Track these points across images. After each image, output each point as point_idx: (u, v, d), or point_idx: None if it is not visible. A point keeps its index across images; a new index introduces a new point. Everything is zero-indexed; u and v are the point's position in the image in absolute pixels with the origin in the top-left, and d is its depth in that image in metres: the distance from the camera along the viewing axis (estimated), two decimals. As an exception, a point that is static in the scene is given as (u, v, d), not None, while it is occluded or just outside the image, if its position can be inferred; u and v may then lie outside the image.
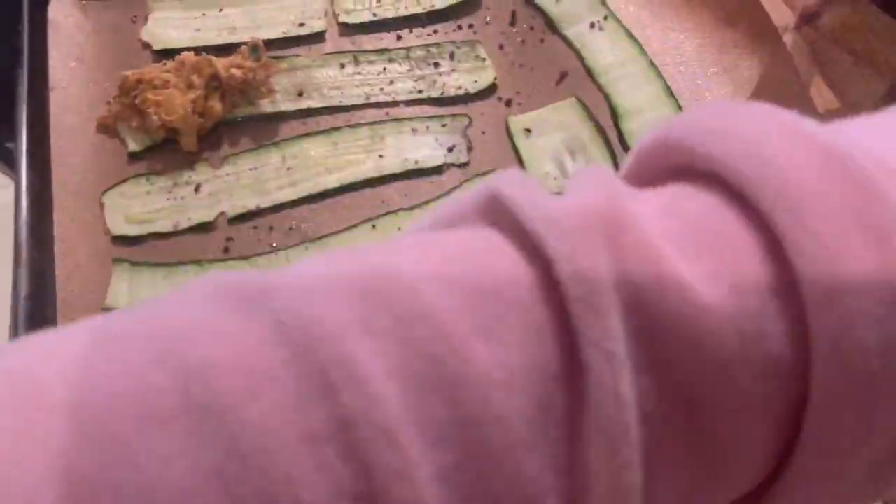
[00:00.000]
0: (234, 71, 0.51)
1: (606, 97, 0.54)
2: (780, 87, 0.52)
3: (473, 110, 0.55)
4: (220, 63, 0.52)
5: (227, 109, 0.53)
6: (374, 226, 0.51)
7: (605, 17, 0.56)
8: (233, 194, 0.52)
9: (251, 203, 0.52)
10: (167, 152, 0.53)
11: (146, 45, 0.57)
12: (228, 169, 0.53)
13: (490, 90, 0.56)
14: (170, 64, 0.53)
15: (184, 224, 0.51)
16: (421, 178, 0.53)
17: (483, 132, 0.54)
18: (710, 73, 0.53)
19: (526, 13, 0.58)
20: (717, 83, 0.53)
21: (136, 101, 0.51)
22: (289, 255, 0.50)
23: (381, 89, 0.56)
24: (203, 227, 0.51)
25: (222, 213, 0.51)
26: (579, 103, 0.54)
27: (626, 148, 0.52)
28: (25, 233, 0.50)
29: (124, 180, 0.52)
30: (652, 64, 0.54)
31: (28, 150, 0.52)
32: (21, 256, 0.48)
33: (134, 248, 0.50)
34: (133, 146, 0.53)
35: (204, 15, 0.58)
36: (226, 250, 0.51)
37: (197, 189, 0.52)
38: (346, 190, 0.53)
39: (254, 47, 0.54)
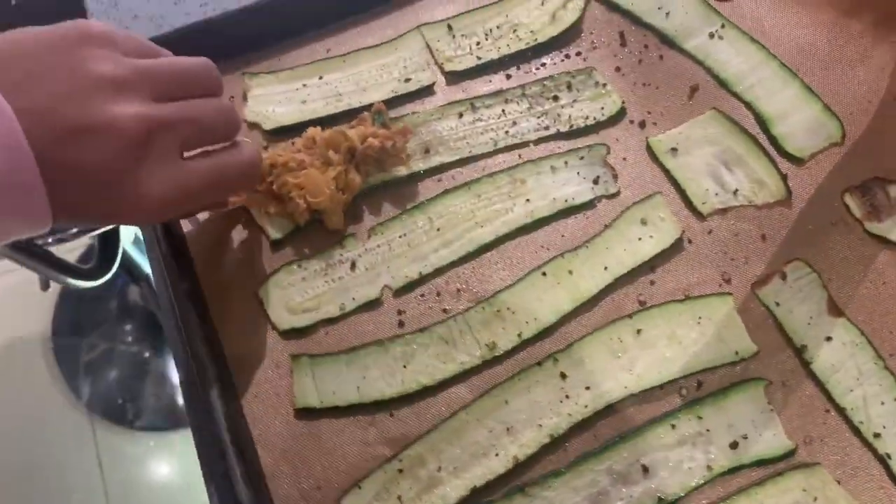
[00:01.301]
0: (371, 141, 0.51)
1: (747, 105, 0.55)
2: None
3: (607, 138, 0.56)
4: (354, 134, 0.50)
5: (364, 180, 0.52)
6: (544, 273, 0.51)
7: (723, 26, 0.58)
8: (390, 265, 0.51)
9: (412, 271, 0.51)
10: (310, 233, 0.53)
11: (254, 126, 0.56)
12: (378, 240, 0.52)
13: (619, 115, 0.57)
14: (298, 142, 0.52)
15: (350, 305, 0.50)
16: (574, 215, 0.53)
17: (624, 158, 0.55)
18: (843, 65, 0.54)
19: (636, 32, 0.59)
20: (852, 74, 0.54)
21: (274, 187, 0.49)
22: (467, 319, 0.49)
23: (507, 132, 0.56)
24: (370, 305, 0.51)
25: (386, 287, 0.50)
26: (721, 115, 0.54)
27: (782, 153, 0.53)
28: (183, 348, 0.47)
29: (276, 271, 0.51)
30: (783, 65, 0.55)
31: (170, 253, 0.49)
32: (192, 372, 0.46)
33: (305, 339, 0.49)
34: (275, 234, 0.52)
35: (305, 85, 0.58)
36: (400, 324, 0.50)
37: (353, 266, 0.51)
38: (503, 241, 0.52)
39: (377, 112, 0.54)
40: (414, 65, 0.60)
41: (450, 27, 0.61)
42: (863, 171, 0.53)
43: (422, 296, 0.52)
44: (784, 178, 0.53)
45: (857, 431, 0.47)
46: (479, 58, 0.60)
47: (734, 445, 0.47)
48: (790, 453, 0.47)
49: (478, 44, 0.61)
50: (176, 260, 0.51)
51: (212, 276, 0.52)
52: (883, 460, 0.46)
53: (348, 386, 0.48)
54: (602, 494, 0.46)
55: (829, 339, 0.49)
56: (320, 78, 0.59)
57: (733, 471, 0.46)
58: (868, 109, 0.55)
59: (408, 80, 0.59)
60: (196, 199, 0.43)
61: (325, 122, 0.56)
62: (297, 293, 0.51)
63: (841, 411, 0.47)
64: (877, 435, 0.47)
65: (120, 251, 1.08)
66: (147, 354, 1.52)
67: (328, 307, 0.51)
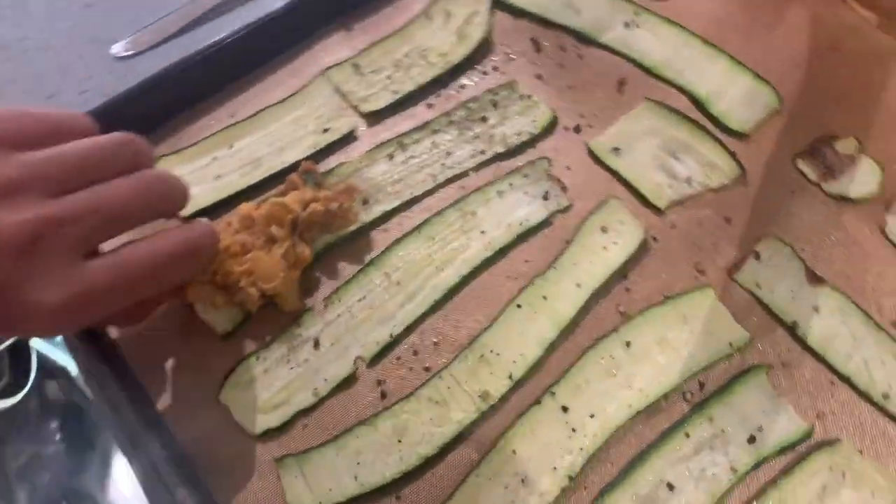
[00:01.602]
0: (314, 207, 0.47)
1: (679, 89, 0.55)
2: (833, 21, 0.53)
3: (546, 150, 0.54)
4: (294, 202, 0.46)
5: (312, 250, 0.48)
6: (518, 305, 0.48)
7: (636, 13, 0.56)
8: (356, 334, 0.48)
9: (381, 335, 0.48)
10: (261, 318, 0.47)
11: (170, 215, 0.51)
12: (337, 309, 0.48)
13: (552, 124, 0.55)
14: (234, 221, 0.47)
15: (324, 388, 0.47)
16: (533, 237, 0.51)
17: (568, 168, 0.53)
18: (761, 30, 0.54)
19: (549, 35, 0.58)
20: (772, 37, 0.54)
21: (217, 278, 0.45)
22: (452, 373, 0.46)
23: (443, 164, 0.54)
24: (346, 383, 0.47)
25: (358, 359, 0.47)
26: (656, 104, 0.54)
27: (726, 132, 0.53)
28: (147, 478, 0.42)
29: (232, 370, 0.46)
30: (706, 42, 0.54)
31: (113, 375, 0.44)
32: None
33: (284, 436, 0.45)
34: (224, 327, 0.47)
35: (215, 159, 0.54)
36: (383, 396, 0.46)
37: (316, 345, 0.47)
38: (468, 280, 0.50)
39: (307, 172, 0.50)
40: (328, 113, 0.56)
41: (356, 66, 0.58)
42: (808, 133, 0.54)
43: (398, 359, 0.48)
44: (733, 155, 0.53)
45: (866, 397, 0.47)
46: (394, 92, 0.57)
47: (752, 440, 0.46)
48: (808, 434, 0.46)
49: (389, 77, 0.58)
50: (115, 372, 0.46)
51: (160, 386, 0.47)
52: (897, 420, 0.46)
53: (344, 478, 0.44)
54: (634, 524, 0.44)
55: (816, 309, 0.48)
56: (230, 147, 0.55)
57: (757, 466, 0.45)
58: (796, 70, 0.56)
59: (326, 130, 0.55)
60: (109, 302, 0.39)
61: (247, 193, 0.52)
62: (262, 389, 0.47)
63: (846, 380, 0.47)
64: (885, 396, 0.47)
65: (34, 361, 0.99)
66: (79, 451, 1.41)
67: (300, 396, 0.47)
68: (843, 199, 0.52)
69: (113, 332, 0.48)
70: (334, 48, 0.59)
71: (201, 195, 0.53)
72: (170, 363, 0.48)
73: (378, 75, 0.58)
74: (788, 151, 0.53)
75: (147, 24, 0.62)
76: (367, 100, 0.57)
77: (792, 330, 0.48)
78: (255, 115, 0.55)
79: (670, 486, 0.45)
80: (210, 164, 0.54)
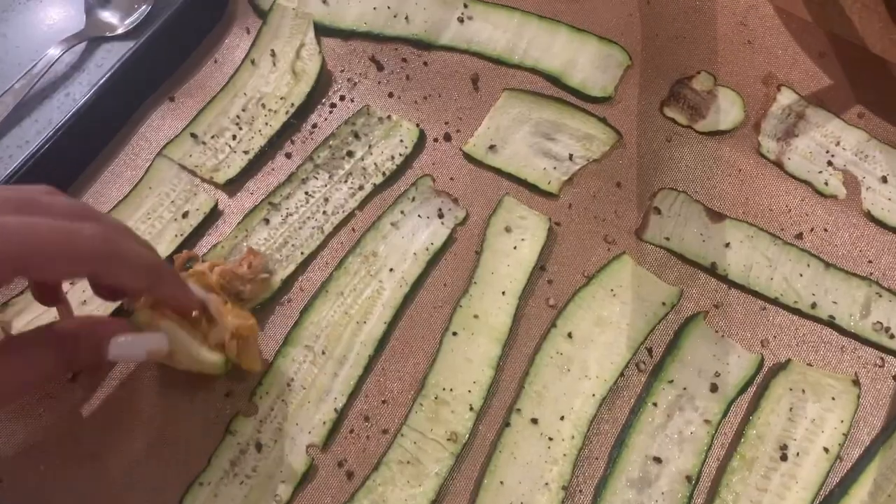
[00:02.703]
0: (222, 270, 0.46)
1: (532, 71, 0.55)
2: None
3: (423, 166, 0.53)
4: (206, 279, 0.44)
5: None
6: (454, 333, 0.47)
7: (465, 6, 0.56)
8: (298, 421, 0.45)
9: (325, 414, 0.46)
10: (177, 443, 0.43)
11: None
12: (267, 403, 0.45)
13: (421, 139, 0.53)
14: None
15: (285, 491, 0.44)
16: (443, 258, 0.50)
17: (451, 178, 0.53)
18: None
19: (386, 50, 0.56)
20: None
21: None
22: (412, 426, 0.44)
23: (325, 213, 0.51)
24: (307, 478, 0.44)
25: (309, 447, 0.44)
26: (515, 92, 0.54)
27: (590, 100, 0.54)
28: None
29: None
30: (541, 17, 0.55)
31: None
32: None
33: None
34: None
35: (73, 283, 0.47)
36: (349, 476, 0.44)
37: (259, 448, 0.44)
38: (393, 325, 0.48)
39: (187, 260, 0.46)
40: (182, 195, 0.51)
41: (193, 136, 0.53)
42: (665, 80, 0.56)
43: (351, 432, 0.45)
44: (605, 121, 0.54)
45: (797, 312, 0.50)
46: (245, 152, 0.53)
47: (714, 388, 0.47)
48: (760, 364, 0.48)
49: (234, 137, 0.54)
50: None
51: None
52: (830, 323, 0.49)
53: (342, 578, 0.41)
54: (638, 510, 0.44)
55: (727, 245, 0.51)
56: (84, 264, 0.49)
57: (726, 412, 0.47)
58: (631, 22, 0.57)
59: (185, 214, 0.51)
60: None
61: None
62: (219, 516, 0.42)
63: (775, 302, 0.50)
64: (814, 305, 0.50)
65: None
66: None
67: (264, 509, 0.43)
68: (716, 133, 0.55)
69: None
70: (162, 123, 0.54)
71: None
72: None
73: (220, 139, 0.54)
74: (654, 102, 0.55)
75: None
76: (219, 168, 0.53)
77: (712, 271, 0.50)
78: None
79: (657, 460, 0.45)
80: (73, 287, 0.48)
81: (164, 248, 0.50)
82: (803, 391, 0.48)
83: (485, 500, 0.44)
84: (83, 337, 0.39)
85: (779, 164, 0.54)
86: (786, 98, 0.56)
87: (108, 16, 0.58)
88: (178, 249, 0.50)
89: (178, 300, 0.42)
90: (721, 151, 0.54)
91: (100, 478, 0.43)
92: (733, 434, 0.47)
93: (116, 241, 0.37)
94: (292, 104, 0.55)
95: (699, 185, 0.53)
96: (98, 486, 0.43)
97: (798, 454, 0.46)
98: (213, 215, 0.51)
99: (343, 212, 0.52)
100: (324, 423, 0.46)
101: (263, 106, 0.55)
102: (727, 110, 0.55)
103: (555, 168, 0.54)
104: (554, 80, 0.55)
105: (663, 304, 0.50)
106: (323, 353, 0.48)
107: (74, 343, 0.38)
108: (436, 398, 0.47)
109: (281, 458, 0.45)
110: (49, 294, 0.42)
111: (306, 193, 0.53)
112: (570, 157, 0.54)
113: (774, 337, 0.50)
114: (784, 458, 0.46)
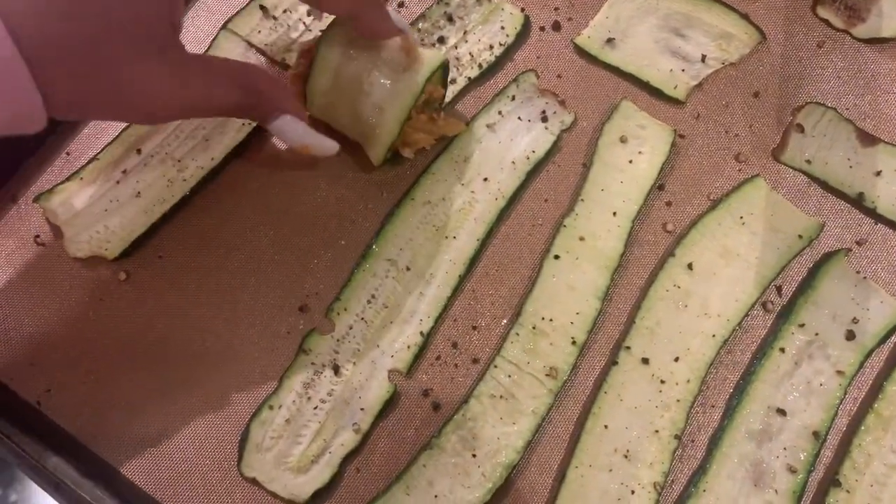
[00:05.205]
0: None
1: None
2: None
3: (527, 60, 0.49)
4: None
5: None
6: (556, 256, 0.43)
7: None
8: (379, 344, 0.42)
9: (410, 337, 0.43)
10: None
11: (95, 259, 0.42)
12: (346, 320, 0.43)
13: (525, 27, 0.48)
14: None
15: (365, 421, 0.41)
16: (545, 169, 0.46)
17: (559, 76, 0.48)
18: None
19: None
20: None
21: None
22: (507, 357, 0.40)
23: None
24: (389, 405, 0.41)
25: (391, 372, 0.41)
26: (640, -23, 0.47)
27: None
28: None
29: (246, 432, 0.39)
30: None
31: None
32: None
33: (338, 490, 0.40)
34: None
35: (125, 172, 0.43)
36: (436, 407, 0.42)
37: (336, 371, 0.41)
38: (486, 244, 0.45)
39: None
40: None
41: (263, 7, 0.49)
42: (819, -26, 0.50)
43: (437, 359, 0.43)
44: (747, 18, 0.48)
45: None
46: (321, 31, 0.48)
47: (850, 335, 0.43)
48: (907, 313, 0.44)
49: (309, 14, 0.49)
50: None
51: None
52: None
53: (427, 518, 0.39)
54: (757, 465, 0.41)
55: (878, 173, 0.46)
56: (138, 152, 0.45)
57: (863, 363, 0.43)
58: None
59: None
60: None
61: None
62: (290, 444, 0.40)
63: (931, 243, 0.45)
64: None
65: None
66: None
67: (340, 438, 0.40)
68: (876, 41, 0.49)
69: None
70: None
71: (124, 226, 0.43)
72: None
73: (293, 14, 0.49)
74: (805, 2, 0.49)
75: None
76: (291, 49, 0.48)
77: (858, 202, 0.46)
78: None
79: (781, 412, 0.42)
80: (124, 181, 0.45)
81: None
82: (955, 349, 0.44)
83: (587, 444, 0.41)
84: (265, 92, 0.40)
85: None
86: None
87: None
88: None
89: (380, 25, 0.41)
90: (880, 63, 0.49)
91: (154, 389, 0.41)
92: (868, 388, 0.43)
93: None
94: (377, -22, 0.50)
95: (851, 101, 0.48)
96: (150, 397, 0.41)
97: (944, 416, 0.43)
98: (285, 103, 0.47)
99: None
100: (408, 347, 0.43)
101: (343, -21, 0.50)
102: (891, 14, 0.50)
103: (683, 70, 0.48)
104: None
105: (800, 237, 0.45)
106: (407, 268, 0.44)
107: (258, 96, 0.40)
108: (533, 328, 0.43)
109: (360, 383, 0.42)
110: None
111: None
112: (703, 58, 0.49)
113: (925, 283, 0.45)
114: (928, 419, 0.43)
